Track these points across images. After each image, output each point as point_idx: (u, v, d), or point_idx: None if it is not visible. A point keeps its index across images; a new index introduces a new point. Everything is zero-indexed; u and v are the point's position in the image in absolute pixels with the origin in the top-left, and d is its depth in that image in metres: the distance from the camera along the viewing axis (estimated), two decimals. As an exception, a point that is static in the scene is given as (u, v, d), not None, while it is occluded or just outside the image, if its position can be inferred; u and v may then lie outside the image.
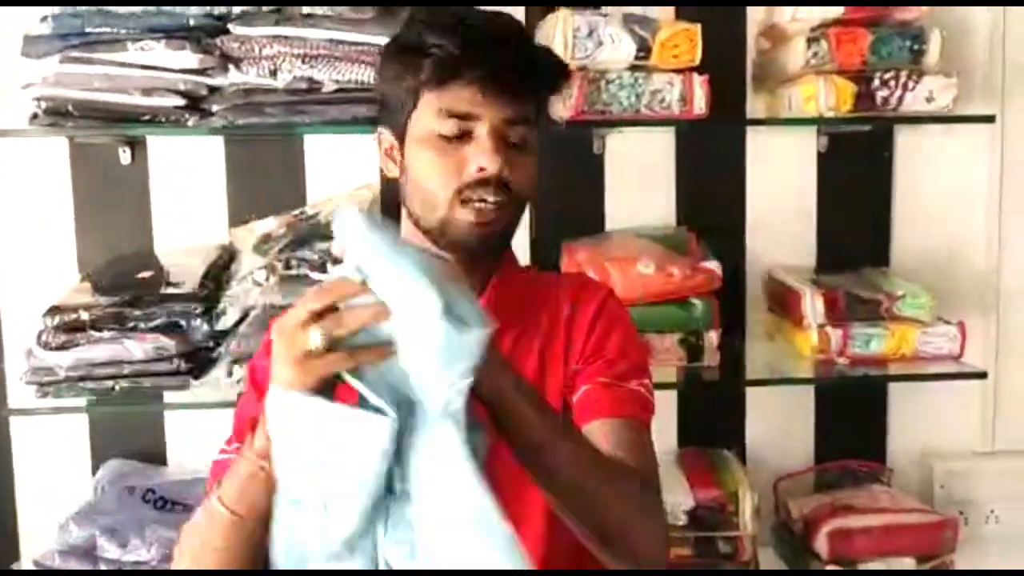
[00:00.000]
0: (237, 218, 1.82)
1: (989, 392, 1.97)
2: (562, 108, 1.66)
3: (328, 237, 1.65)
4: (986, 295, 1.96)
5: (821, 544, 1.75)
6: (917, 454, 2.00)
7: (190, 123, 1.58)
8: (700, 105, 1.65)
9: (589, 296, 1.15)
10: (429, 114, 1.02)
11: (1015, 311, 1.97)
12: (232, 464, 0.89)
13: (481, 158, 1.00)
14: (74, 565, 1.62)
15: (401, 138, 1.06)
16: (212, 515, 0.88)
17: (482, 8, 1.04)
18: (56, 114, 1.55)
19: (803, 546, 1.81)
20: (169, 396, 1.65)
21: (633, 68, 1.65)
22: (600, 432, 1.03)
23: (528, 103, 1.04)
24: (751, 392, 1.95)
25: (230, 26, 1.56)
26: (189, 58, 1.54)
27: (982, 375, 1.77)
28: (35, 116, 1.56)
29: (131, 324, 1.58)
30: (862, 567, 1.76)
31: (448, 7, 1.03)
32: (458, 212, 1.01)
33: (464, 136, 1.01)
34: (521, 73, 1.01)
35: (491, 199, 1.01)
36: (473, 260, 1.06)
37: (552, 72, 1.08)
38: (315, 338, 0.75)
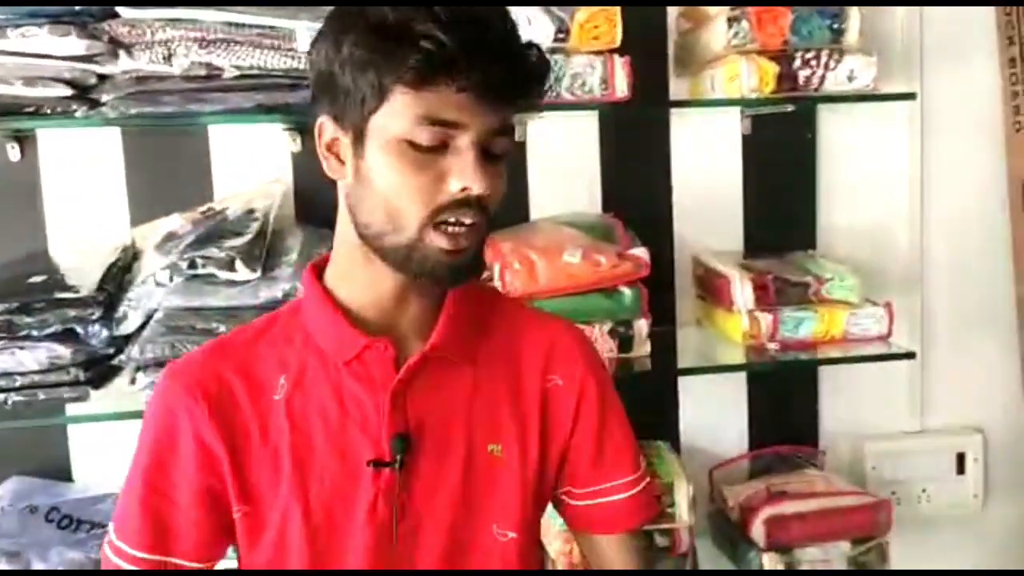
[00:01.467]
0: (138, 216, 1.72)
1: (917, 372, 1.97)
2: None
3: (236, 234, 1.57)
4: (911, 275, 1.96)
5: (758, 532, 1.73)
6: (849, 436, 2.00)
7: (79, 114, 1.46)
8: (622, 88, 1.61)
9: (571, 357, 1.06)
10: (403, 118, 0.86)
11: (940, 290, 1.98)
12: None
13: (465, 176, 0.86)
14: (-32, 594, 1.51)
15: (358, 137, 0.89)
16: None
17: None
18: (-72, 107, 1.43)
19: (740, 534, 1.79)
20: (70, 408, 1.54)
21: (552, 51, 1.59)
22: (623, 545, 1.09)
23: (513, 112, 0.91)
24: (683, 381, 1.92)
25: (119, 9, 1.44)
26: (75, 44, 1.43)
27: (910, 355, 1.77)
28: (-96, 110, 1.43)
29: (23, 332, 1.46)
30: (798, 552, 1.74)
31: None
32: (430, 237, 0.88)
33: (442, 147, 0.87)
34: (515, 77, 0.87)
35: (468, 221, 0.88)
36: (437, 287, 0.97)
37: (543, 75, 0.92)
38: None
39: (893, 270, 1.95)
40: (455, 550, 0.98)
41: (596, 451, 1.06)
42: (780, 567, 1.71)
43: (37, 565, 1.53)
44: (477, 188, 0.87)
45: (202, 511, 0.97)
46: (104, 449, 1.74)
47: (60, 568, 1.53)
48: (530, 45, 0.90)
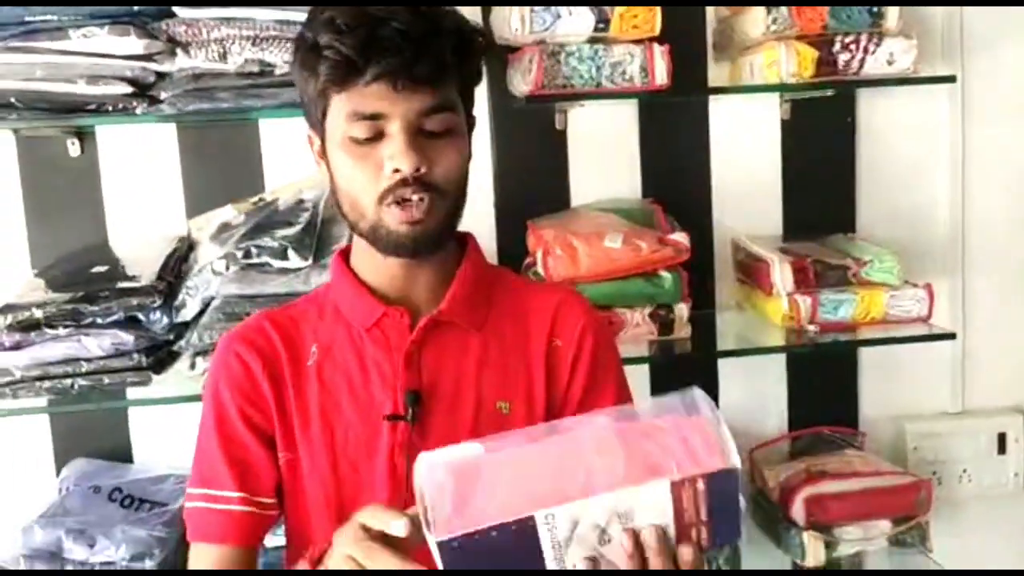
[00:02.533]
0: (194, 208, 1.78)
1: (958, 353, 1.98)
2: (522, 83, 1.63)
3: (288, 223, 1.62)
4: (951, 257, 1.96)
5: (798, 511, 1.75)
6: (889, 417, 2.01)
7: (139, 111, 1.52)
8: (662, 76, 1.63)
9: (573, 318, 1.12)
10: (340, 118, 0.98)
11: (980, 271, 1.98)
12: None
13: (396, 159, 0.96)
14: (40, 568, 1.58)
15: (323, 141, 1.03)
16: None
17: None
18: (-1, 106, 1.50)
19: (780, 514, 1.81)
20: (132, 392, 1.61)
21: (592, 40, 1.62)
22: None
23: (446, 88, 0.99)
24: (723, 363, 1.94)
25: (175, 9, 1.50)
26: (134, 44, 1.49)
27: (951, 336, 1.78)
28: (-25, 110, 1.50)
29: (87, 320, 1.53)
30: (838, 532, 1.76)
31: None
32: (385, 214, 0.99)
33: (379, 136, 0.98)
34: (428, 62, 0.96)
35: (412, 197, 0.98)
36: (421, 259, 1.05)
37: (467, 51, 1.01)
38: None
39: (933, 252, 1.95)
40: None
41: (579, 405, 1.11)
42: (820, 545, 1.73)
43: (102, 542, 1.59)
44: (407, 167, 0.96)
45: (267, 451, 1.08)
46: (163, 432, 1.81)
47: (124, 544, 1.60)
48: (451, 26, 0.99)
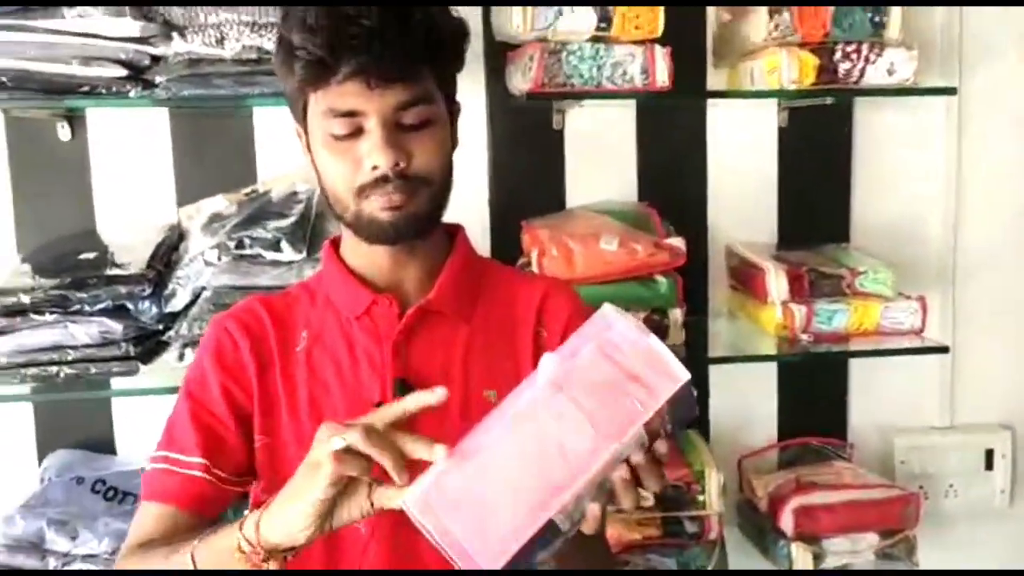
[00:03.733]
0: (185, 196, 1.75)
1: (947, 367, 1.98)
2: (522, 81, 1.62)
3: (281, 215, 1.60)
4: (945, 269, 1.97)
5: (786, 521, 1.75)
6: (877, 429, 2.01)
7: (132, 94, 1.50)
8: (663, 78, 1.62)
9: (559, 307, 1.13)
10: (318, 116, 0.99)
11: (973, 285, 1.98)
12: (214, 533, 0.91)
13: (373, 155, 0.97)
14: (21, 559, 1.56)
15: (306, 135, 1.04)
16: (178, 565, 0.92)
17: None
18: (-12, 86, 1.47)
19: (768, 524, 1.81)
20: (117, 382, 1.59)
21: (594, 40, 1.61)
22: None
23: (421, 80, 0.99)
24: (714, 370, 1.93)
25: (172, -10, 1.48)
26: (130, 25, 1.46)
27: (944, 349, 1.78)
28: (-35, 88, 1.47)
29: (75, 307, 1.51)
30: (826, 543, 1.76)
31: None
32: (365, 205, 1.00)
33: (358, 132, 0.98)
34: (399, 58, 0.95)
35: (395, 195, 0.99)
36: (406, 247, 1.06)
37: (441, 42, 1.01)
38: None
39: (927, 264, 1.96)
40: None
41: None
42: (808, 556, 1.73)
43: (85, 534, 1.57)
44: (384, 164, 0.97)
45: (240, 429, 1.07)
46: (147, 424, 1.75)
47: (107, 537, 1.57)
48: (424, 17, 0.97)
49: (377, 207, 0.99)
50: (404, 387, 1.04)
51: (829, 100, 1.79)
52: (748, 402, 1.98)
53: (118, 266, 1.57)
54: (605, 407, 0.79)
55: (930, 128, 1.94)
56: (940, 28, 1.91)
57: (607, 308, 0.84)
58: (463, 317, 1.09)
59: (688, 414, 0.84)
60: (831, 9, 1.66)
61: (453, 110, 1.07)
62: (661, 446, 0.81)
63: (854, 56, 1.68)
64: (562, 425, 0.79)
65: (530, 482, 0.77)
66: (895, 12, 1.68)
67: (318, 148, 1.01)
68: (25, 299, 1.50)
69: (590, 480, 0.78)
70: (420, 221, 1.02)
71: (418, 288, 1.09)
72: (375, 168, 0.97)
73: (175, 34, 1.48)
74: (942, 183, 1.95)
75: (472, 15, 1.76)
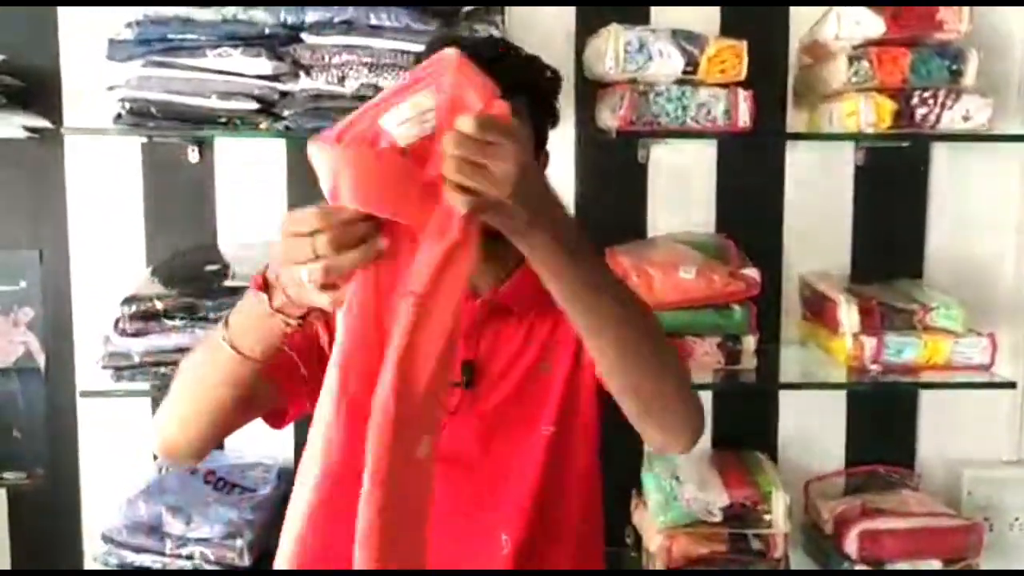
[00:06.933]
0: (297, 217, 1.90)
1: (1017, 402, 2.02)
2: (611, 118, 1.74)
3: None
4: (1016, 308, 2.01)
5: (851, 545, 1.81)
6: (945, 461, 2.05)
7: (263, 126, 1.67)
8: (744, 119, 1.72)
9: None
10: None
11: (1043, 325, 2.02)
12: (241, 303, 0.98)
13: None
14: (141, 539, 1.71)
15: None
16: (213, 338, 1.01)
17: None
18: (139, 115, 1.64)
19: (833, 546, 1.86)
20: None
21: (680, 82, 1.72)
22: None
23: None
24: (784, 396, 2.01)
25: (303, 35, 1.65)
26: (264, 64, 1.63)
27: (1011, 385, 1.82)
28: (119, 116, 1.65)
29: (202, 314, 1.67)
30: (890, 567, 1.81)
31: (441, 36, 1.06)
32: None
33: None
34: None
35: None
36: (488, 246, 1.08)
37: (542, 102, 1.12)
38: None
39: (997, 303, 2.00)
40: (504, 443, 1.19)
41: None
42: (872, 579, 1.79)
43: (198, 520, 1.72)
44: None
45: (311, 371, 1.13)
46: (254, 423, 1.93)
47: (217, 523, 1.72)
48: (527, 84, 1.07)
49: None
50: (471, 369, 1.17)
51: (905, 144, 1.86)
52: (817, 429, 2.04)
53: (237, 278, 1.73)
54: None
55: (1005, 171, 1.99)
56: (1018, 75, 1.96)
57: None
58: (527, 311, 1.19)
59: None
60: (909, 56, 1.73)
61: (542, 160, 1.15)
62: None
63: (931, 102, 1.74)
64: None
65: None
66: (972, 60, 1.74)
67: None
68: (159, 305, 1.66)
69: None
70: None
71: (491, 284, 1.18)
72: None
73: (302, 73, 1.64)
74: (1014, 225, 2.00)
75: (565, 51, 1.89)
